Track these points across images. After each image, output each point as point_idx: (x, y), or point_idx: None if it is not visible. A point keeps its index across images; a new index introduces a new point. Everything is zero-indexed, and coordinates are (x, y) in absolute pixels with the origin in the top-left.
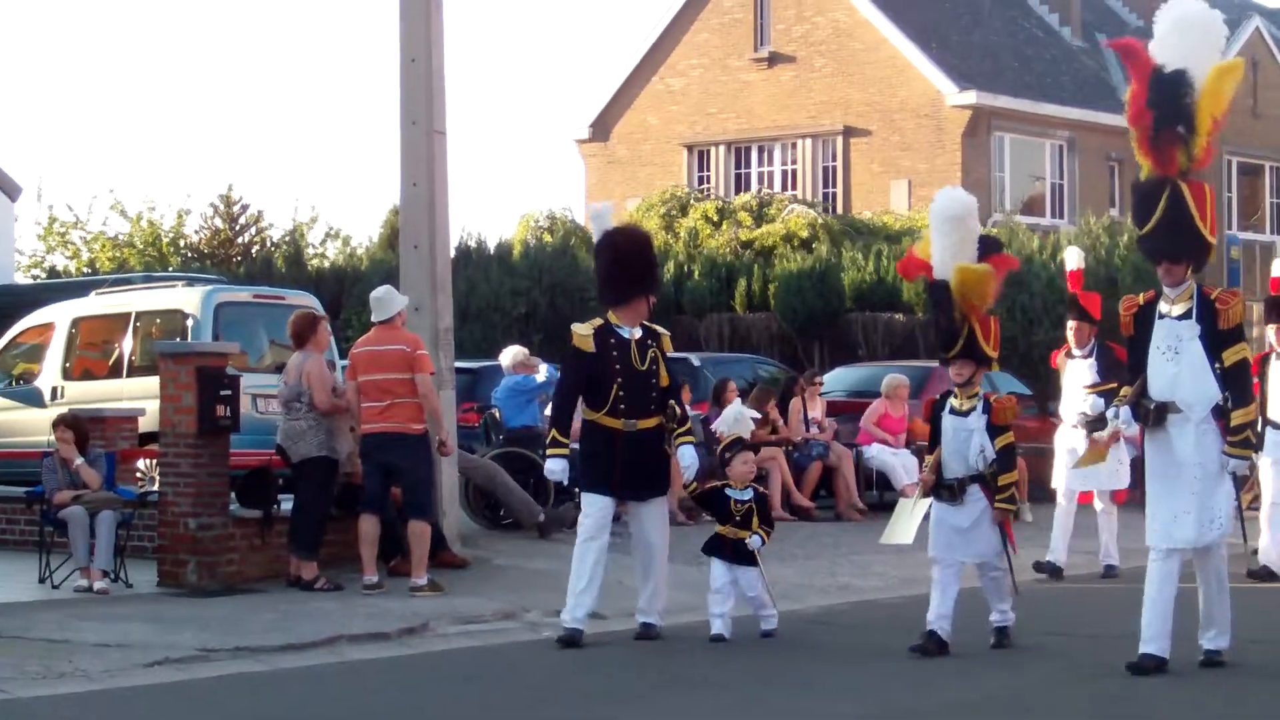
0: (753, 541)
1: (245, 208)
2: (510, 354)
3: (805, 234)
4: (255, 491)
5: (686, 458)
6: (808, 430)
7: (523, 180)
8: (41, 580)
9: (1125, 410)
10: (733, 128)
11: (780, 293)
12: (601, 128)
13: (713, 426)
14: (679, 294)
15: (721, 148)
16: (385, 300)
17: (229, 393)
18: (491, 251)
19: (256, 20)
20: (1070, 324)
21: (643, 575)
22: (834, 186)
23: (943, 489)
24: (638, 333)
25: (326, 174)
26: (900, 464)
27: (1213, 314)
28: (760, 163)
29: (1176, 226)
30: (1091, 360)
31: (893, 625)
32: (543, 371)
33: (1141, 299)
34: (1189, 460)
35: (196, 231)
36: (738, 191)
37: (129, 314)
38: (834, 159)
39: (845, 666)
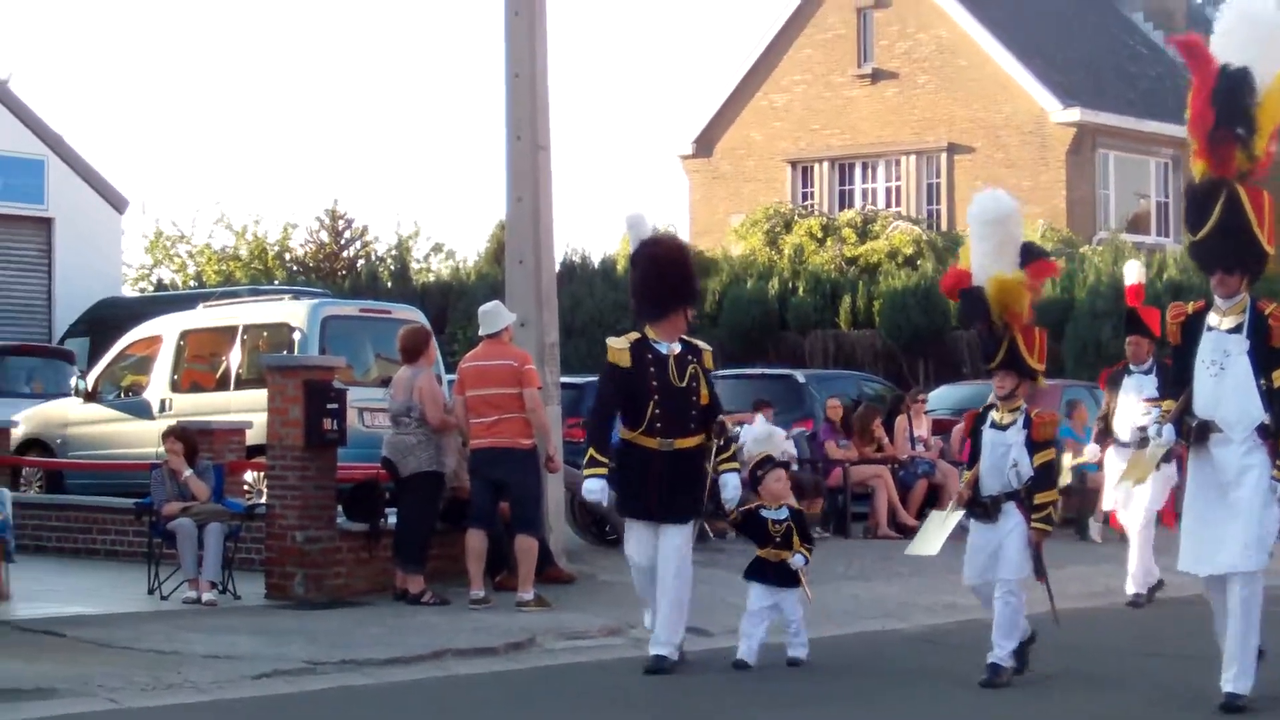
0: (795, 560)
1: (350, 222)
2: None
3: (910, 251)
4: (362, 505)
5: (729, 488)
6: (913, 448)
7: (626, 196)
8: (150, 591)
9: (1169, 428)
10: (836, 144)
11: (885, 310)
12: (705, 144)
13: (742, 445)
14: (783, 310)
15: (825, 164)
16: (493, 315)
17: (336, 406)
18: (596, 267)
19: (363, 36)
20: (1129, 340)
21: (655, 601)
22: (938, 203)
23: (977, 506)
24: (676, 348)
25: (430, 189)
26: None
27: (1265, 330)
28: (864, 179)
29: (1232, 233)
30: (1151, 376)
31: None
32: None
33: (1190, 308)
34: (1232, 482)
35: (302, 245)
36: (841, 208)
37: (236, 327)
38: (938, 175)
39: (956, 687)
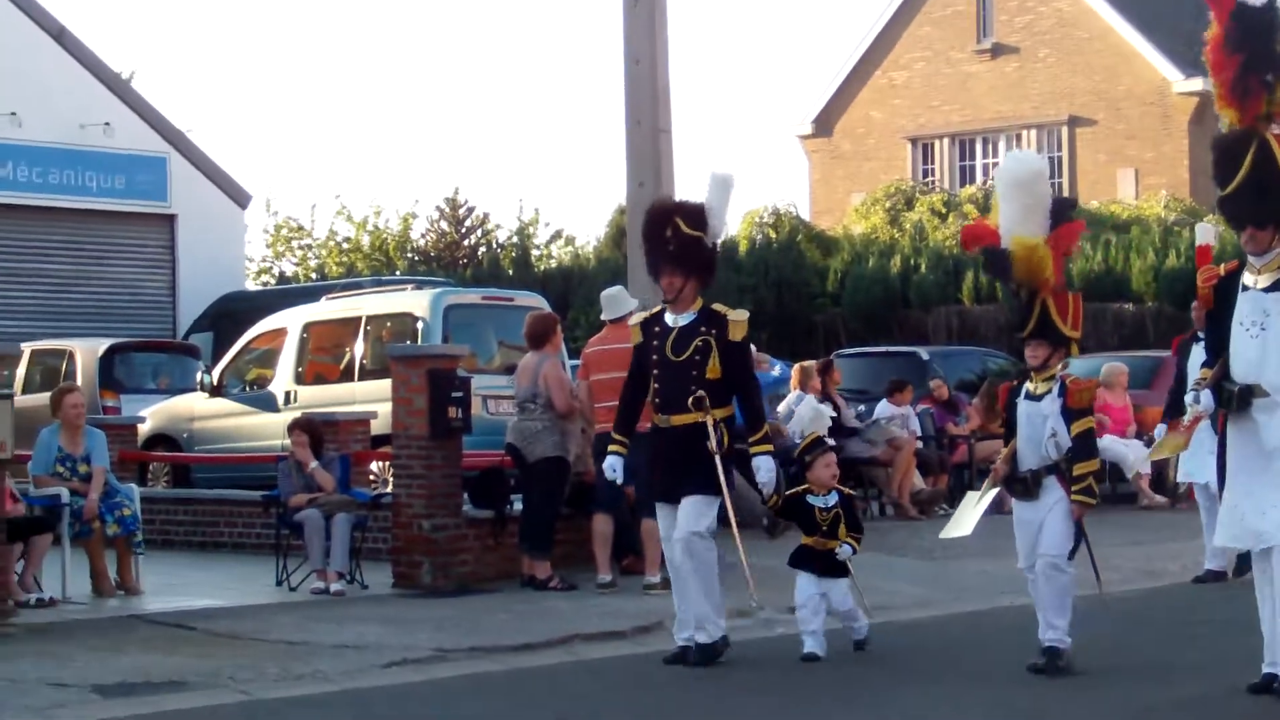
0: (843, 551)
1: (471, 210)
2: None
3: None
4: (487, 492)
5: (763, 471)
6: None
7: (746, 177)
8: (278, 583)
9: (1206, 394)
10: (956, 120)
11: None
12: (824, 123)
13: (788, 426)
14: (905, 288)
15: (945, 140)
16: (616, 299)
17: (460, 395)
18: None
19: (483, 23)
20: (1194, 305)
21: (674, 589)
22: (1059, 176)
23: (1015, 482)
24: (684, 319)
25: (549, 175)
26: (1131, 454)
27: None
28: (985, 154)
29: (1263, 186)
30: None
31: (1130, 620)
32: (776, 367)
33: (1223, 269)
34: (1278, 450)
35: (422, 235)
36: (963, 184)
37: (359, 318)
38: (1059, 149)
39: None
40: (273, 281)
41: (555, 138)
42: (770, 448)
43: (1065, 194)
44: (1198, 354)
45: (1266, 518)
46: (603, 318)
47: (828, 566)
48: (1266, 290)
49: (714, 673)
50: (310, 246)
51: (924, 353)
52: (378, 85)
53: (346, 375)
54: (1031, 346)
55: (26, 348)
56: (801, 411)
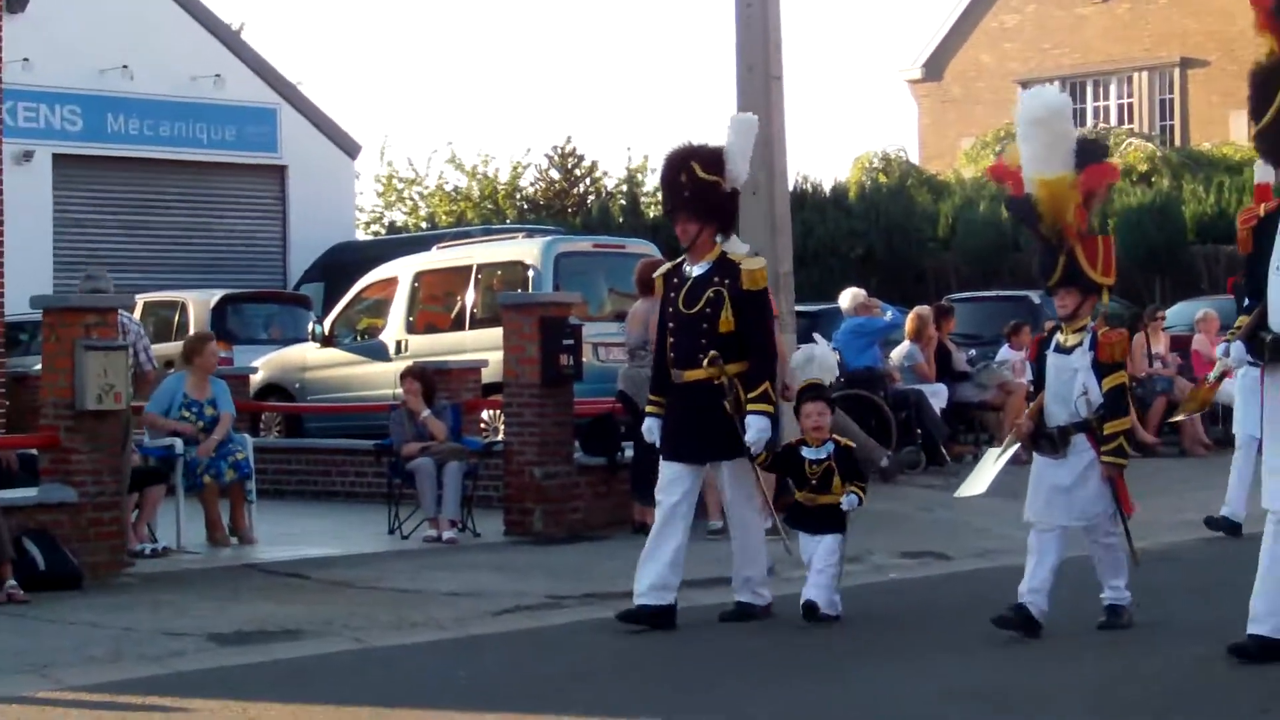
0: (848, 501)
1: (580, 158)
2: (850, 296)
3: (1144, 168)
4: (599, 439)
5: (752, 430)
6: (1150, 365)
7: (856, 122)
8: (391, 531)
9: (1238, 345)
10: (1067, 63)
11: (1120, 227)
12: (934, 67)
13: (790, 370)
14: (1017, 232)
15: (1056, 83)
16: (728, 245)
17: (572, 342)
18: (827, 194)
19: None
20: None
21: (734, 547)
22: (1171, 119)
23: (1042, 439)
24: (699, 269)
25: (659, 123)
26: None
27: None
28: (1096, 97)
29: None
30: None
31: (1241, 560)
32: (887, 313)
33: (1263, 210)
34: None
35: (532, 184)
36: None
37: (470, 267)
38: (1171, 91)
39: (1198, 606)
40: (383, 231)
41: (665, 84)
42: (766, 407)
43: (1176, 137)
44: None
45: None
46: None
47: (819, 522)
48: None
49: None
50: (422, 195)
51: (1035, 297)
52: (490, 34)
53: (458, 324)
54: (1060, 295)
55: (140, 299)
56: (797, 357)
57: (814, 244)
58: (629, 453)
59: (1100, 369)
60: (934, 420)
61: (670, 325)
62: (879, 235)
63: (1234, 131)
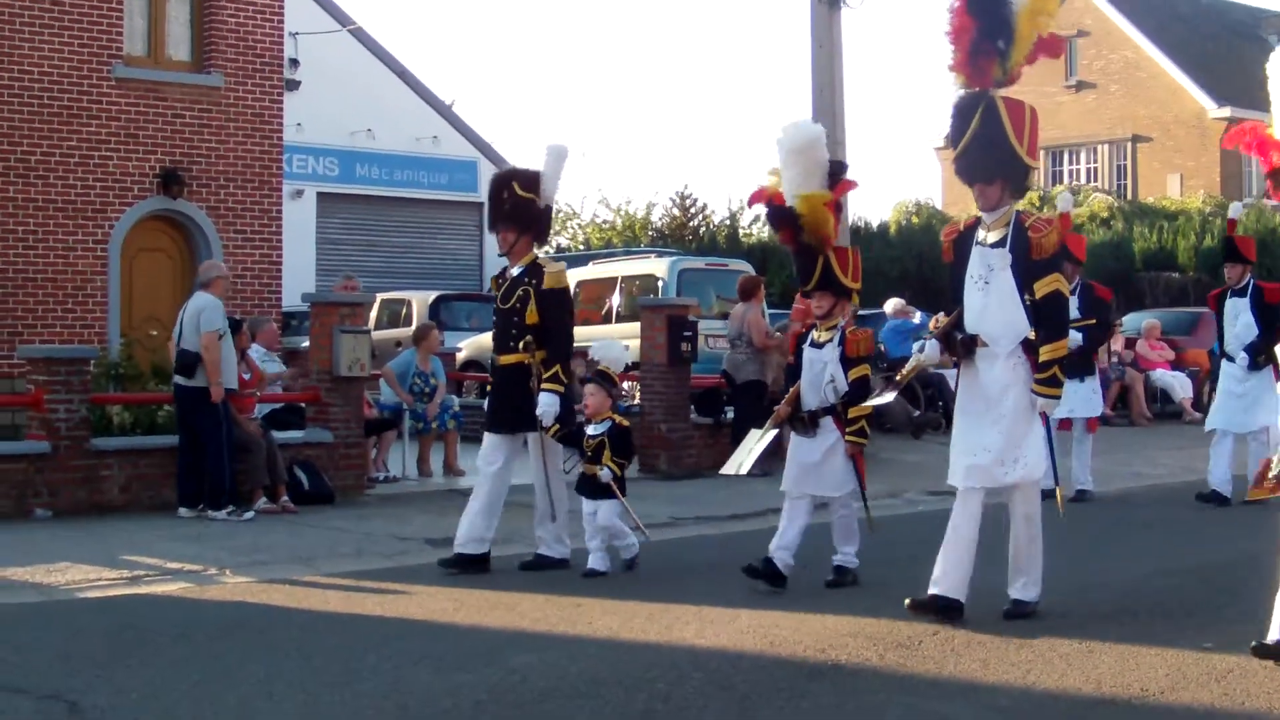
0: (603, 474)
1: (695, 200)
2: (892, 304)
3: (1105, 214)
4: (708, 404)
5: (542, 405)
6: (1110, 360)
7: (896, 177)
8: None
9: (931, 344)
10: (1048, 138)
11: (1088, 259)
12: None
13: (591, 357)
14: None
15: (1041, 152)
16: None
17: (690, 334)
18: (875, 229)
19: (699, 53)
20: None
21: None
22: (1125, 179)
23: (797, 420)
24: (515, 271)
25: (754, 172)
26: (1178, 383)
27: (1025, 243)
28: (1070, 162)
29: (990, 144)
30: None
31: (1170, 499)
32: (917, 316)
33: (963, 225)
34: (994, 397)
35: (660, 219)
36: (1053, 184)
37: (616, 278)
38: (1125, 158)
39: (1145, 531)
40: (551, 251)
41: (759, 145)
42: (556, 387)
43: (1129, 192)
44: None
45: (976, 459)
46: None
47: (595, 489)
48: (993, 246)
49: (878, 539)
50: (580, 226)
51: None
52: (634, 104)
53: (606, 319)
54: (817, 298)
55: (379, 296)
56: (596, 347)
57: (865, 266)
58: (730, 414)
59: (847, 363)
60: (950, 394)
61: (494, 317)
62: (912, 260)
63: (1170, 189)
